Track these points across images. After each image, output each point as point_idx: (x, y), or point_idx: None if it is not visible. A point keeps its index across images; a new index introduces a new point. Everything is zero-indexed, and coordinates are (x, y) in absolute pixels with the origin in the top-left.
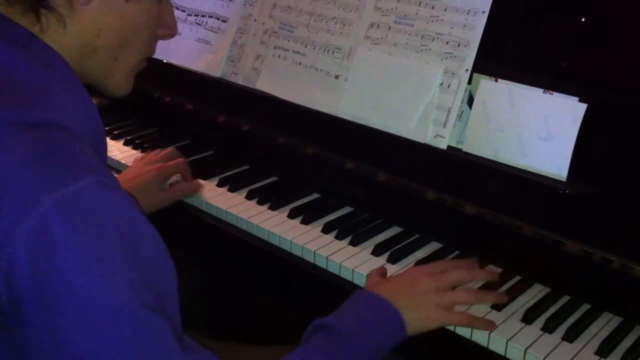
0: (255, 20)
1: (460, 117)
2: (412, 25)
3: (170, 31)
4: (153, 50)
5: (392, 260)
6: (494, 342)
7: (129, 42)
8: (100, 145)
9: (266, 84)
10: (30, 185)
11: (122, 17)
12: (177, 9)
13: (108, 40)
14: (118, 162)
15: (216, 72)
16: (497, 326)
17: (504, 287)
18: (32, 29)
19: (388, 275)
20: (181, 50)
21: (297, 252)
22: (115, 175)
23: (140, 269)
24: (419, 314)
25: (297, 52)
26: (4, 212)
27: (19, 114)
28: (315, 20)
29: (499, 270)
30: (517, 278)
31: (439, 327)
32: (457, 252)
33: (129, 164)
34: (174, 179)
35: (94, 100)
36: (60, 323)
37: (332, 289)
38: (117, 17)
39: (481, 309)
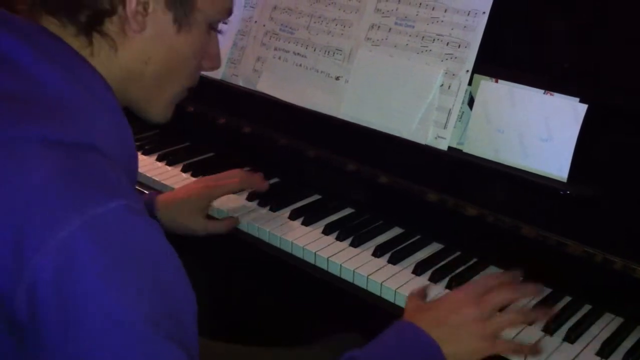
0: (255, 22)
1: (460, 118)
2: (413, 27)
3: (215, 64)
4: (196, 80)
5: (393, 261)
6: None
7: (175, 71)
8: (132, 168)
9: (267, 86)
10: (60, 201)
11: (171, 47)
12: None
13: (155, 68)
14: None
15: (217, 74)
16: None
17: None
18: (81, 51)
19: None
20: None
21: (297, 254)
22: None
23: (162, 297)
24: (462, 347)
25: (298, 53)
26: (31, 228)
27: (54, 131)
28: (315, 22)
29: (500, 271)
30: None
31: None
32: (458, 253)
33: None
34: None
35: None
36: (79, 344)
37: (333, 291)
38: (167, 47)
39: None
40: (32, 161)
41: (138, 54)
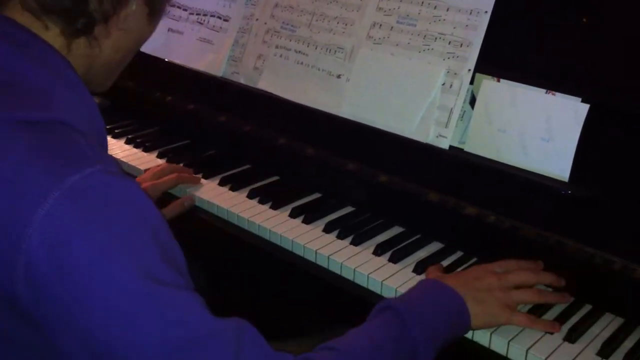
0: (257, 19)
1: (462, 117)
2: (415, 25)
3: None
4: None
5: (394, 260)
6: (496, 343)
7: (132, 54)
8: (102, 142)
9: (268, 84)
10: (38, 178)
11: (141, 36)
12: (179, 7)
13: (123, 54)
14: (120, 160)
15: (218, 72)
16: (499, 327)
17: None
18: (59, 47)
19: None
20: (183, 49)
21: (298, 252)
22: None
23: (158, 246)
24: (484, 309)
25: (299, 51)
26: (15, 209)
27: (23, 113)
28: (317, 20)
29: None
30: None
31: None
32: (458, 253)
33: (130, 163)
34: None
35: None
36: (85, 312)
37: (333, 289)
38: (138, 37)
39: None
40: (5, 142)
41: (113, 46)
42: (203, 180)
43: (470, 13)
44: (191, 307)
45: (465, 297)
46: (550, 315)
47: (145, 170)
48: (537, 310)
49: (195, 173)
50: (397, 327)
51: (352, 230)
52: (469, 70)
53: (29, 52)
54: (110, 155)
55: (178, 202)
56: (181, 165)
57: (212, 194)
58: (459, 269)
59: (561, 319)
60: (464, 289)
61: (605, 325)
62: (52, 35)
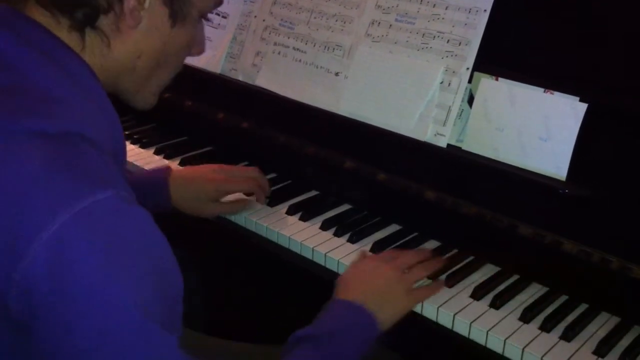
0: (255, 16)
1: (460, 115)
2: (413, 24)
3: (202, 49)
4: (182, 65)
5: None
6: (492, 341)
7: (166, 64)
8: (119, 152)
9: (266, 81)
10: (49, 196)
11: (166, 41)
12: None
13: (148, 61)
14: None
15: (216, 68)
16: (495, 325)
17: (502, 286)
18: (73, 46)
19: None
20: None
21: (295, 249)
22: (172, 166)
23: (155, 285)
24: (391, 309)
25: (298, 49)
26: (22, 222)
27: (40, 123)
28: (315, 18)
29: (497, 269)
30: (515, 277)
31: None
32: (455, 251)
33: (128, 159)
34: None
35: None
36: (73, 336)
37: (330, 286)
38: (161, 41)
39: (479, 307)
40: (20, 154)
41: (131, 49)
42: None
43: (469, 11)
44: (173, 349)
45: (372, 307)
46: (546, 312)
47: (142, 165)
48: (534, 310)
49: None
50: (315, 353)
51: (350, 228)
52: (468, 68)
53: (49, 56)
54: (123, 179)
55: (241, 201)
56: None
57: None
58: (456, 267)
59: (557, 317)
60: (369, 298)
61: (602, 324)
62: (65, 30)
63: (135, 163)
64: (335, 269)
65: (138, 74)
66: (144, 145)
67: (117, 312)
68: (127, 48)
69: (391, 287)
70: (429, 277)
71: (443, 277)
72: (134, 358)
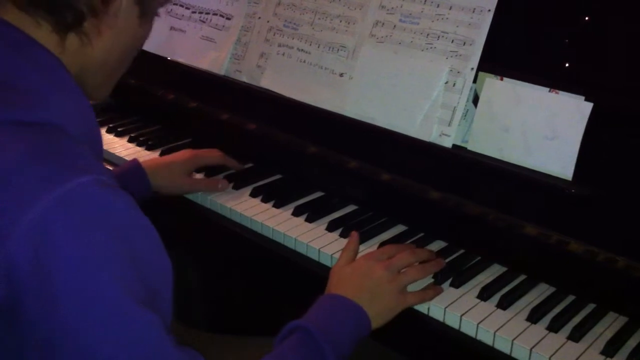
0: (259, 18)
1: (465, 115)
2: (417, 24)
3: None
4: None
5: None
6: (500, 342)
7: (130, 58)
8: (95, 142)
9: (270, 82)
10: (30, 182)
11: (134, 37)
12: (182, 6)
13: (118, 57)
14: (122, 158)
15: (220, 70)
16: (502, 325)
17: (509, 287)
18: (52, 47)
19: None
20: (185, 48)
21: (301, 250)
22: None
23: (135, 266)
24: (381, 308)
25: (302, 50)
26: (4, 208)
27: (18, 113)
28: (319, 18)
29: (504, 269)
30: (522, 277)
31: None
32: (461, 251)
33: None
34: None
35: None
36: (56, 316)
37: None
38: (130, 38)
39: (486, 308)
40: (0, 143)
41: (105, 47)
42: (205, 179)
43: (473, 11)
44: (155, 330)
45: (363, 303)
46: (553, 312)
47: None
48: (541, 310)
49: (198, 171)
50: (313, 352)
51: (355, 229)
52: (472, 68)
53: (21, 52)
54: (102, 164)
55: (213, 180)
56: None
57: (215, 192)
58: (462, 268)
59: (565, 317)
60: (360, 295)
61: (609, 324)
62: (45, 32)
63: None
64: None
65: (106, 69)
66: (149, 148)
67: (97, 291)
68: (103, 46)
69: (381, 286)
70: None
71: (448, 280)
72: (115, 334)
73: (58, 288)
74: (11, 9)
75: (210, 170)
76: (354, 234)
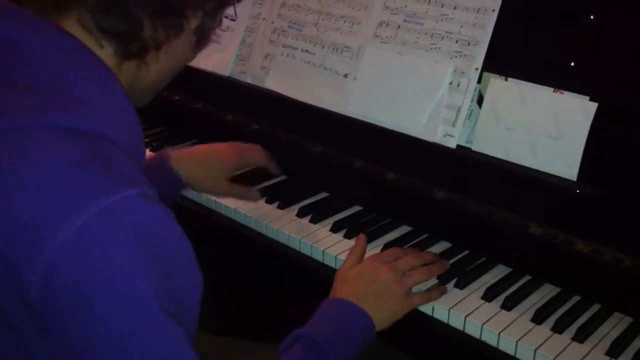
0: (264, 19)
1: (469, 116)
2: (422, 24)
3: None
4: None
5: None
6: (504, 342)
7: (173, 75)
8: (140, 155)
9: (275, 83)
10: (76, 190)
11: (182, 60)
12: None
13: (166, 75)
14: None
15: (225, 71)
16: (507, 326)
17: (513, 287)
18: (108, 63)
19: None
20: None
21: (305, 251)
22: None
23: (168, 281)
24: (386, 311)
25: (306, 50)
26: (49, 213)
27: (70, 120)
28: (324, 19)
29: (509, 270)
30: (527, 278)
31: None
32: (466, 252)
33: None
34: None
35: None
36: (88, 324)
37: None
38: (180, 60)
39: (490, 309)
40: (48, 149)
41: (159, 70)
42: None
43: (478, 11)
44: (182, 344)
45: (368, 308)
46: (558, 313)
47: None
48: (546, 311)
49: None
50: (311, 352)
51: (360, 230)
52: (477, 69)
53: (79, 62)
54: (145, 178)
55: (251, 191)
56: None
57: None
58: (467, 269)
59: (570, 318)
60: (366, 299)
61: (614, 325)
62: (105, 53)
63: None
64: None
65: (154, 86)
66: (154, 149)
67: (130, 302)
68: (157, 70)
69: (387, 289)
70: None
71: (453, 280)
72: (144, 345)
73: (93, 296)
74: (75, 25)
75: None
76: (362, 237)
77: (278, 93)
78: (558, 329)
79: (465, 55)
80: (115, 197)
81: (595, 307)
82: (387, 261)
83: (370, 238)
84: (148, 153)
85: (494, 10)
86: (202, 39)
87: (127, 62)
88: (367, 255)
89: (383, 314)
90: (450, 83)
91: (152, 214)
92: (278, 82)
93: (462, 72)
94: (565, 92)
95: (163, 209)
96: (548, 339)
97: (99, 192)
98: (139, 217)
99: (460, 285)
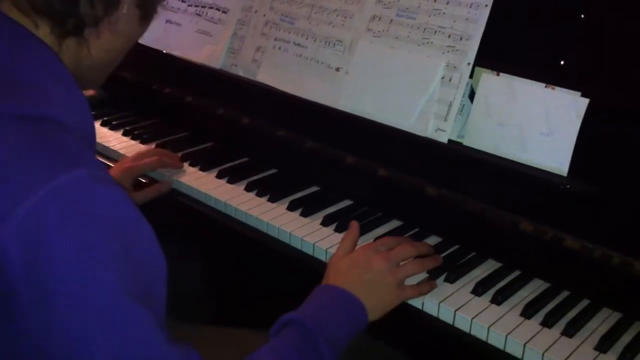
0: (256, 11)
1: (461, 111)
2: (414, 19)
3: None
4: None
5: None
6: (494, 337)
7: (124, 53)
8: (90, 137)
9: (266, 76)
10: (24, 174)
11: (132, 37)
12: None
13: (115, 55)
14: (116, 152)
15: (216, 64)
16: (497, 320)
17: (503, 282)
18: (47, 43)
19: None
20: (181, 41)
21: (296, 245)
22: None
23: (129, 260)
24: (378, 301)
25: (298, 44)
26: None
27: (14, 106)
28: (316, 13)
29: (499, 264)
30: (517, 273)
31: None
32: (456, 247)
33: (127, 154)
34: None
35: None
36: (50, 311)
37: None
38: (129, 37)
39: (480, 303)
40: None
41: (102, 48)
42: (200, 173)
43: (470, 6)
44: (148, 325)
45: (361, 295)
46: (547, 308)
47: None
48: (535, 305)
49: (193, 165)
50: (307, 345)
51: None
52: (469, 63)
53: (21, 46)
54: (97, 159)
55: (154, 187)
56: (167, 150)
57: (210, 186)
58: (457, 263)
59: (559, 313)
60: (358, 287)
61: (603, 320)
62: (42, 33)
63: None
64: None
65: (101, 66)
66: (144, 141)
67: (91, 284)
68: (101, 47)
69: (381, 279)
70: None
71: (443, 275)
72: (108, 328)
73: (51, 281)
74: (7, 6)
75: (203, 164)
76: (354, 224)
77: (269, 86)
78: (547, 323)
79: (457, 50)
80: (65, 178)
81: (585, 302)
82: (381, 250)
83: (361, 232)
84: (138, 146)
85: (486, 6)
86: (147, 12)
87: (66, 40)
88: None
89: (375, 303)
90: (442, 78)
91: (105, 194)
92: (270, 75)
93: (454, 67)
94: (557, 88)
95: (116, 189)
96: (537, 333)
97: (49, 173)
98: (91, 196)
99: (450, 280)
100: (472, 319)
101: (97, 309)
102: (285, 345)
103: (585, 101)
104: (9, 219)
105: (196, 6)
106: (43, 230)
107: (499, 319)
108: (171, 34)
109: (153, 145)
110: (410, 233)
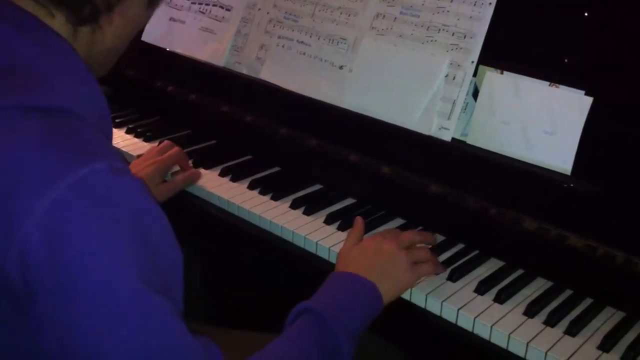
0: (259, 9)
1: (465, 109)
2: (418, 16)
3: None
4: None
5: None
6: (496, 335)
7: (129, 40)
8: (107, 127)
9: (270, 74)
10: (45, 167)
11: (139, 22)
12: None
13: (124, 41)
14: (120, 150)
15: (220, 62)
16: (499, 319)
17: (506, 281)
18: (65, 35)
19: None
20: (184, 39)
21: (299, 243)
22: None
23: (149, 253)
24: (393, 282)
25: (302, 42)
26: (19, 193)
27: (32, 98)
28: (320, 10)
29: (502, 263)
30: (520, 271)
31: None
32: (460, 245)
33: (130, 152)
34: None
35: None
36: (71, 302)
37: None
38: (137, 23)
39: (483, 302)
40: (15, 128)
41: (114, 34)
42: (203, 171)
43: (475, 4)
44: (172, 318)
45: (374, 278)
46: (550, 307)
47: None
48: (538, 304)
49: (196, 164)
50: (323, 334)
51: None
52: (473, 62)
53: (36, 38)
54: (115, 148)
55: (188, 175)
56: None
57: (213, 184)
58: (460, 261)
59: (562, 312)
60: (372, 271)
61: (606, 319)
62: (58, 23)
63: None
64: None
65: (112, 52)
66: (147, 139)
67: (112, 276)
68: (113, 33)
69: (392, 261)
70: None
71: (447, 271)
72: (129, 320)
73: (72, 273)
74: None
75: (206, 162)
76: (359, 219)
77: (273, 84)
78: (550, 322)
79: (461, 48)
80: (84, 171)
81: (588, 302)
82: (389, 237)
83: (364, 230)
84: (141, 144)
85: (490, 4)
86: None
87: (81, 28)
88: None
89: (389, 285)
90: (446, 76)
91: (125, 186)
92: (273, 73)
93: (458, 65)
94: (561, 86)
95: (135, 181)
96: (540, 332)
97: (68, 167)
98: (112, 188)
99: (453, 278)
100: (475, 317)
101: (119, 300)
102: (300, 335)
103: (589, 100)
104: (31, 213)
105: (200, 4)
106: (65, 223)
107: (501, 317)
108: (175, 32)
109: (156, 144)
110: None
